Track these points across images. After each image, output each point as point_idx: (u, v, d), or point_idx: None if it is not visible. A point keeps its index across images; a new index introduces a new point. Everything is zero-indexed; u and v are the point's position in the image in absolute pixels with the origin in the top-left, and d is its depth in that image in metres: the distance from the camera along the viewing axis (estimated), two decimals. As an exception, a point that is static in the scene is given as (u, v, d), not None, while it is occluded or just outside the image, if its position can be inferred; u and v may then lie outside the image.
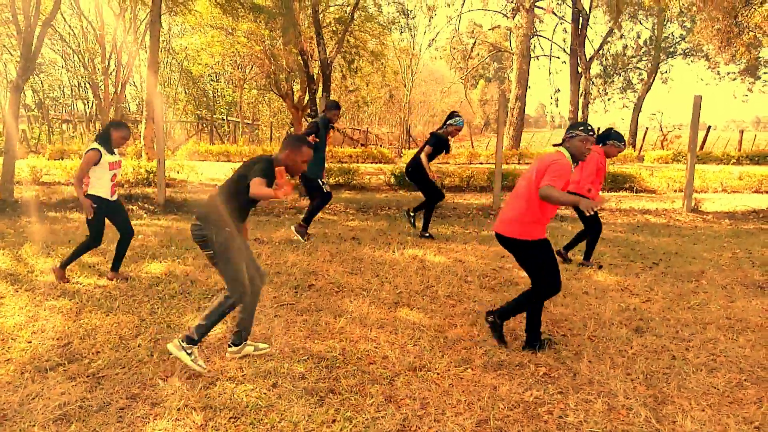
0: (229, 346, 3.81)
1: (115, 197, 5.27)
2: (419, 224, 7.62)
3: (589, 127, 3.93)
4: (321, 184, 7.17)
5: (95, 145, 5.04)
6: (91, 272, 5.53)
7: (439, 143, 7.14)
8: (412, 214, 7.72)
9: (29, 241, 6.74)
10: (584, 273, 5.84)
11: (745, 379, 3.56)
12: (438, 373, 3.58)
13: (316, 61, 10.70)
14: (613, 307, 4.85)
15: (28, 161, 14.69)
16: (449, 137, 7.23)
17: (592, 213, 3.44)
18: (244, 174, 3.51)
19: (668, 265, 6.26)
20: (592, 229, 6.01)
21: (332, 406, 3.18)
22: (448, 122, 7.18)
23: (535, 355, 3.87)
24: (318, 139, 6.75)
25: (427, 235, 7.40)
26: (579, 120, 10.47)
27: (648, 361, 3.79)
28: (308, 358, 3.77)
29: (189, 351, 3.52)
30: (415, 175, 7.23)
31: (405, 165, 7.90)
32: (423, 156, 7.04)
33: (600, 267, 6.07)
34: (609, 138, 5.74)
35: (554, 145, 4.09)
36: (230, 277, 3.57)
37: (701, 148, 25.55)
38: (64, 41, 27.94)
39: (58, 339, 4.03)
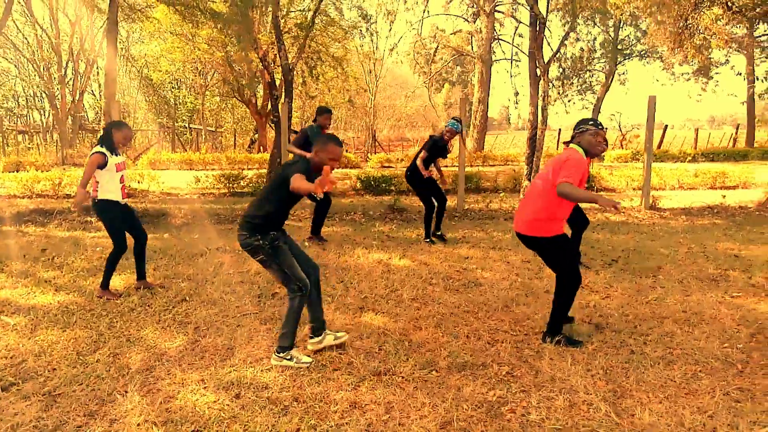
0: (310, 337, 3.98)
1: (126, 200, 5.18)
2: (446, 235, 7.71)
3: (599, 122, 4.07)
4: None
5: (98, 148, 4.93)
6: (47, 287, 5.37)
7: (434, 147, 7.21)
8: (438, 233, 7.71)
9: (-19, 257, 6.51)
10: (546, 272, 5.93)
11: (700, 371, 3.66)
12: (403, 377, 3.58)
13: (278, 67, 10.64)
14: (574, 304, 4.92)
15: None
16: (446, 141, 7.27)
17: (613, 211, 3.55)
18: (284, 175, 3.64)
19: (627, 261, 6.41)
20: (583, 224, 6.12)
21: (296, 414, 3.16)
22: (445, 126, 7.33)
23: (498, 355, 3.91)
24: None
25: (429, 240, 7.50)
26: (539, 119, 10.65)
27: (608, 357, 3.87)
28: (271, 368, 3.73)
29: (288, 357, 3.78)
30: (412, 179, 7.32)
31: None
32: (419, 161, 7.12)
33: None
34: None
35: (565, 143, 4.16)
36: (285, 277, 3.75)
37: (659, 146, 26.29)
38: (18, 50, 27.14)
39: (11, 357, 3.90)
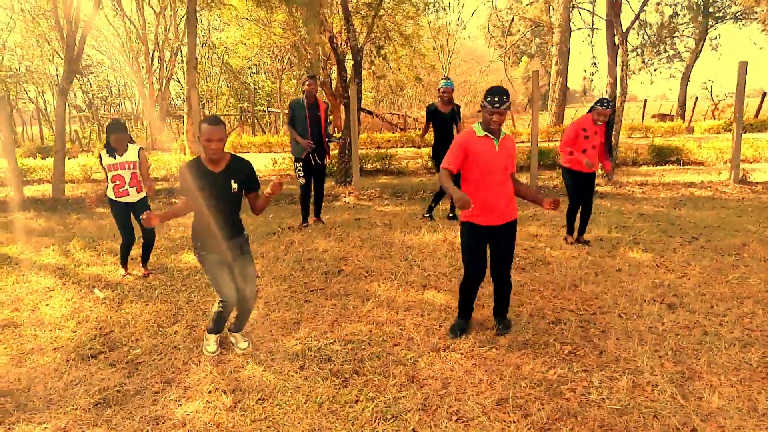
0: (229, 330, 3.95)
1: (124, 198, 5.22)
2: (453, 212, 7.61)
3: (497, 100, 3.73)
4: (296, 170, 6.96)
5: (102, 149, 5.26)
6: (133, 264, 5.75)
7: (433, 116, 7.06)
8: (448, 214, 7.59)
9: (77, 237, 7.07)
10: (619, 250, 5.72)
11: (780, 354, 3.45)
12: (462, 354, 3.61)
13: (348, 48, 10.74)
14: (647, 283, 4.75)
15: (79, 160, 15.33)
16: (445, 101, 7.03)
17: (461, 206, 3.26)
18: None
19: (708, 239, 6.06)
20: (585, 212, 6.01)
21: (356, 386, 3.26)
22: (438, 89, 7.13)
23: (561, 334, 3.84)
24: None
25: (428, 215, 7.47)
26: (618, 90, 10.17)
27: (678, 338, 3.72)
28: (335, 341, 3.86)
29: (206, 338, 3.85)
30: (434, 158, 7.26)
31: None
32: (420, 137, 7.11)
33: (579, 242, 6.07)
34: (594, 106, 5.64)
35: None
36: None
37: (756, 115, 24.38)
38: (109, 42, 28.84)
39: (100, 328, 4.25)
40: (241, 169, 3.60)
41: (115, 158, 5.12)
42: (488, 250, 3.84)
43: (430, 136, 7.76)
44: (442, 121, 7.13)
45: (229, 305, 3.65)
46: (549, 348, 3.65)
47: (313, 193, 7.21)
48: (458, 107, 7.21)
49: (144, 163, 5.23)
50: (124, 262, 5.52)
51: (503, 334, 3.87)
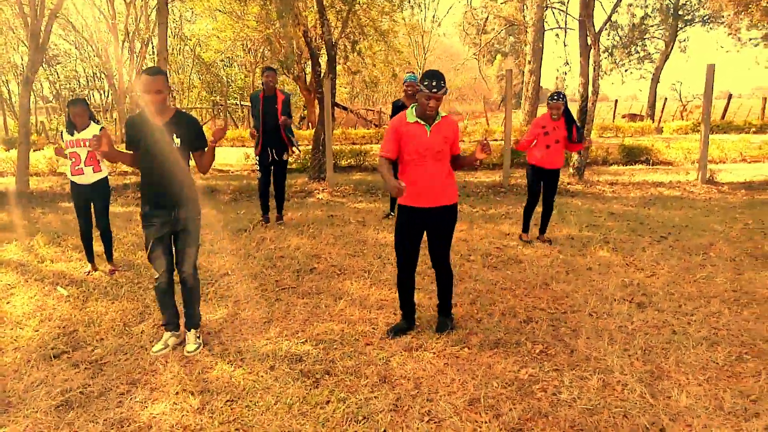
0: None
1: (79, 178, 5.09)
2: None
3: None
4: (255, 164, 6.85)
5: (63, 128, 5.10)
6: (99, 261, 5.60)
7: (395, 109, 7.03)
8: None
9: (41, 232, 6.86)
10: (590, 249, 5.78)
11: (745, 353, 3.51)
12: (434, 353, 3.59)
13: (322, 43, 10.64)
14: (617, 282, 4.81)
15: (45, 152, 14.91)
16: (408, 95, 6.81)
17: (396, 193, 3.25)
18: None
19: (677, 238, 6.16)
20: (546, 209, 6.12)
21: (327, 387, 3.22)
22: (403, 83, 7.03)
23: (533, 333, 3.86)
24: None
25: (391, 214, 7.43)
26: (590, 93, 10.28)
27: (647, 337, 3.76)
28: (306, 341, 3.81)
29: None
30: None
31: None
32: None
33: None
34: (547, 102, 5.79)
35: None
36: None
37: (722, 117, 24.96)
38: (77, 31, 28.13)
39: (63, 327, 4.12)
40: (185, 124, 3.53)
41: (72, 135, 4.99)
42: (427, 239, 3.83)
43: None
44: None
45: (160, 281, 3.64)
46: (520, 347, 3.66)
47: (274, 192, 7.07)
48: None
49: (102, 141, 5.05)
50: (89, 257, 5.36)
51: (442, 332, 3.84)
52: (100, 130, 4.99)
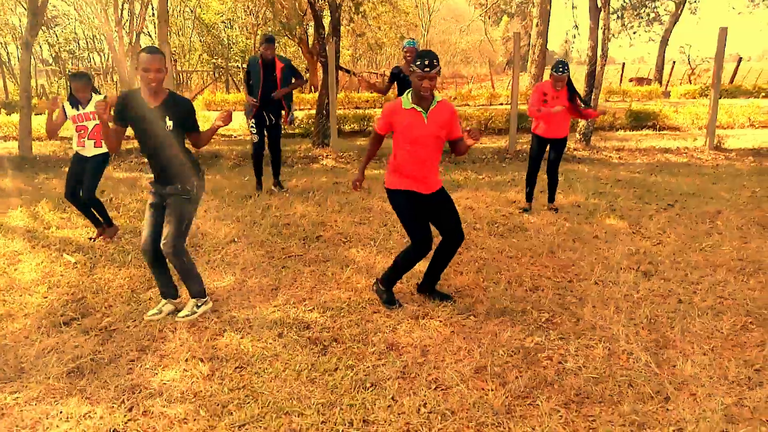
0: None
1: (84, 151, 5.14)
2: None
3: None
4: (250, 127, 6.76)
5: (65, 101, 5.08)
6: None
7: (393, 76, 6.92)
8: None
9: (45, 198, 6.86)
10: (596, 217, 5.76)
11: (750, 322, 3.52)
12: (440, 321, 3.61)
13: (325, 3, 10.42)
14: (623, 250, 4.80)
15: (46, 116, 14.81)
16: (407, 64, 6.76)
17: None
18: None
19: (684, 206, 6.13)
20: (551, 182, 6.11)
21: (335, 354, 3.25)
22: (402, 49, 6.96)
23: (539, 301, 3.87)
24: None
25: None
26: (599, 54, 10.11)
27: (653, 306, 3.77)
28: (313, 309, 3.83)
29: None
30: None
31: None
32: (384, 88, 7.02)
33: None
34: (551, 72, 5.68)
35: None
36: None
37: (731, 81, 24.59)
38: (76, -8, 27.63)
39: (72, 294, 4.15)
40: (178, 107, 3.50)
41: (78, 110, 5.00)
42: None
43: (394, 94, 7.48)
44: (406, 83, 6.92)
45: (142, 251, 3.68)
46: (526, 316, 3.68)
47: (270, 156, 7.01)
48: None
49: (106, 106, 5.04)
50: (93, 221, 5.36)
51: (450, 300, 3.87)
52: (104, 98, 4.97)
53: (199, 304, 3.82)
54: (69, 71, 29.68)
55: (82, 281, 4.37)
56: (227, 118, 3.50)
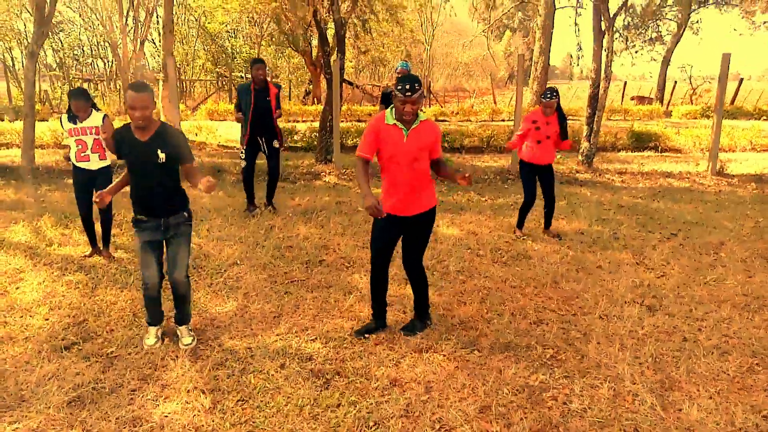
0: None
1: (85, 164, 5.09)
2: None
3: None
4: (240, 153, 6.67)
5: (64, 115, 5.09)
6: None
7: (384, 97, 6.89)
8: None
9: (48, 212, 6.84)
10: (599, 245, 5.75)
11: (756, 363, 3.51)
12: (444, 355, 3.59)
13: (330, 20, 10.47)
14: (627, 282, 4.79)
15: (49, 124, 14.83)
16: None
17: (372, 215, 3.28)
18: None
19: (687, 235, 6.13)
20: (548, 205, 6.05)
21: (338, 389, 3.22)
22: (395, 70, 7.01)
23: (543, 336, 3.85)
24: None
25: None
26: (602, 76, 10.13)
27: (658, 343, 3.75)
28: (316, 338, 3.81)
29: (146, 330, 3.82)
30: None
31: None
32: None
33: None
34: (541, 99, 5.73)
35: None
36: None
37: (732, 101, 24.70)
38: (82, 0, 27.76)
39: (73, 316, 4.12)
40: (170, 139, 3.48)
41: (76, 124, 4.99)
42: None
43: None
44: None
45: (149, 288, 3.61)
46: (531, 351, 3.65)
47: (268, 178, 6.95)
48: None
49: (109, 130, 5.02)
50: (91, 241, 5.38)
51: (409, 333, 3.84)
52: (104, 117, 5.00)
53: (190, 327, 3.85)
54: (72, 77, 29.79)
55: (84, 303, 4.35)
56: (210, 188, 3.40)
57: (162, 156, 3.44)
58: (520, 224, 6.08)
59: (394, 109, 3.46)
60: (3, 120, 16.00)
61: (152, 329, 3.78)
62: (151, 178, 3.49)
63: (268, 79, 6.46)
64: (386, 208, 3.52)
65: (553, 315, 4.18)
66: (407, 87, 3.29)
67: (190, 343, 3.72)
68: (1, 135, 13.34)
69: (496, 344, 3.73)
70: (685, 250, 5.66)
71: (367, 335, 3.83)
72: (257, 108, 6.37)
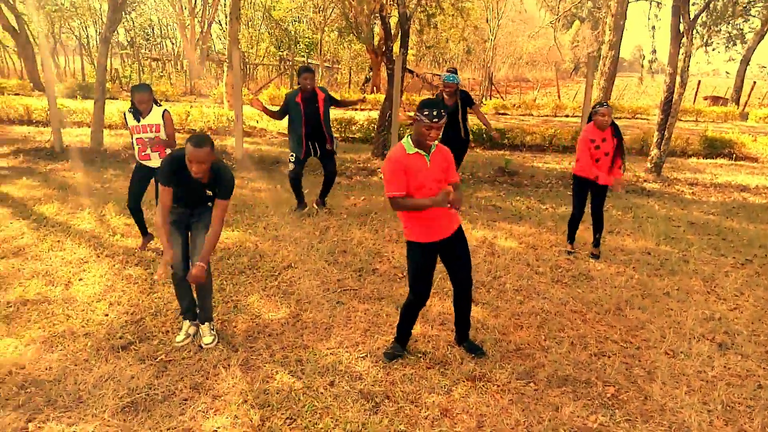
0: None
1: (147, 162, 5.22)
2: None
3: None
4: (290, 156, 6.61)
5: (126, 110, 5.16)
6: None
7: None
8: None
9: (113, 200, 7.02)
10: (668, 269, 5.45)
11: (841, 423, 3.22)
12: (498, 386, 3.46)
13: (395, 11, 10.31)
14: (696, 314, 4.51)
15: (119, 105, 15.32)
16: (447, 96, 6.64)
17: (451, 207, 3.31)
18: None
19: (763, 262, 5.73)
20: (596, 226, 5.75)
21: (387, 415, 3.16)
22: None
23: (604, 371, 3.66)
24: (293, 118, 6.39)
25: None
26: (676, 86, 9.59)
27: (730, 388, 3.51)
28: (366, 356, 3.75)
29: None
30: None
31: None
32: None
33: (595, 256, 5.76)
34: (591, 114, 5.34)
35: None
36: None
37: (817, 106, 23.09)
38: (153, -20, 28.52)
39: (132, 314, 4.21)
40: (221, 182, 3.58)
41: (138, 121, 5.07)
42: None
43: None
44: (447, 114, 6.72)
45: (174, 266, 3.72)
46: (590, 388, 3.48)
47: (324, 178, 6.88)
48: (464, 93, 6.81)
49: (169, 124, 5.13)
50: (142, 229, 5.50)
51: (480, 356, 3.77)
52: (163, 113, 5.10)
53: (212, 326, 3.92)
54: (141, 56, 30.73)
55: (142, 300, 4.43)
56: (195, 279, 3.51)
57: (210, 193, 3.65)
58: (571, 238, 5.83)
59: (410, 137, 3.39)
60: (75, 98, 16.65)
61: (185, 324, 3.91)
62: (195, 202, 3.78)
63: (317, 81, 6.35)
64: (423, 238, 3.50)
65: (615, 347, 3.97)
66: (434, 113, 3.23)
67: (211, 343, 3.81)
68: (74, 114, 13.84)
69: (554, 377, 3.57)
70: (761, 279, 5.29)
71: (395, 359, 3.75)
72: (308, 118, 6.31)
